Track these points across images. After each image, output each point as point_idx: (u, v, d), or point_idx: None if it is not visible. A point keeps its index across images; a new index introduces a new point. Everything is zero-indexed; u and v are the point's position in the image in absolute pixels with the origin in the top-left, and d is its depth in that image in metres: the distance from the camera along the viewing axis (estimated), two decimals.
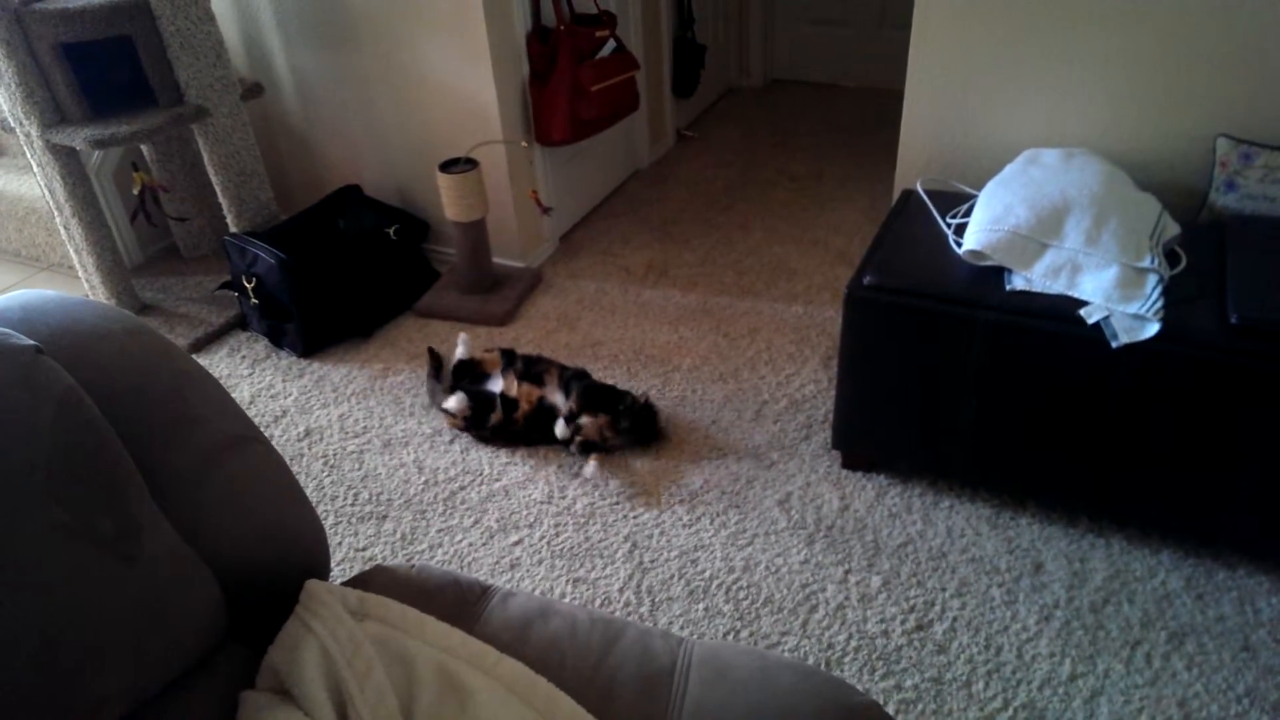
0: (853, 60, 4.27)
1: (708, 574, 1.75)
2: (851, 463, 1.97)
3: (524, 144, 2.71)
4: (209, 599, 0.90)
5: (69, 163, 2.42)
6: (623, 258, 2.91)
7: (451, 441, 2.14)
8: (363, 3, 2.58)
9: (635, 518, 1.89)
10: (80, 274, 2.64)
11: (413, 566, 1.12)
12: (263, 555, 0.99)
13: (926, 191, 2.01)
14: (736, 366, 2.34)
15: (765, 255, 2.87)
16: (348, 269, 2.54)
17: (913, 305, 1.67)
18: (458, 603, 1.06)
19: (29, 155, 2.44)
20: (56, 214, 2.52)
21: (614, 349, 2.44)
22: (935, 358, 1.70)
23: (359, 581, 1.08)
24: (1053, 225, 1.64)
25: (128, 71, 2.42)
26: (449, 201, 2.52)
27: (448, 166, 2.52)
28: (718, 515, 1.88)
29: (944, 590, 1.68)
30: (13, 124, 2.40)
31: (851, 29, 4.20)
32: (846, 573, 1.73)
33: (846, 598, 1.68)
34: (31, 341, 0.86)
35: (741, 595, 1.70)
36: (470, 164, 2.52)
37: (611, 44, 2.84)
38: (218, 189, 2.61)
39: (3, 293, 0.99)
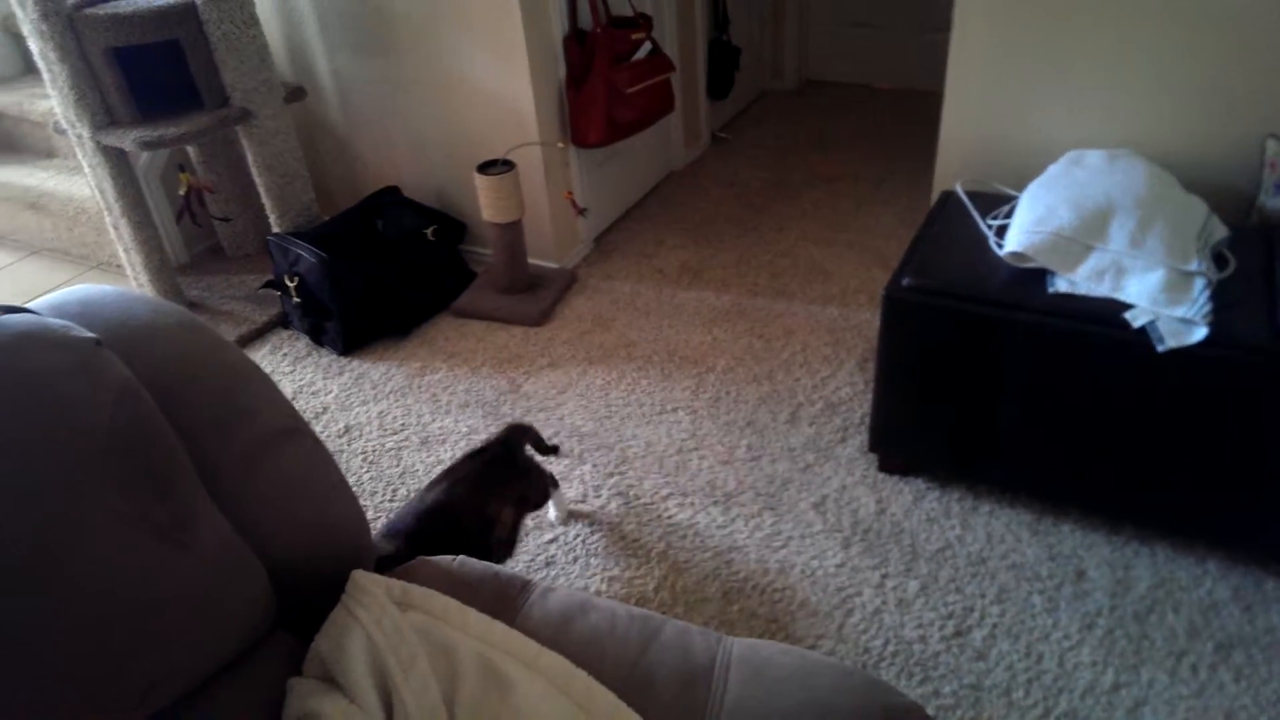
0: (888, 62, 4.24)
1: (742, 575, 1.75)
2: (888, 466, 1.96)
3: (560, 145, 2.73)
4: (258, 587, 0.92)
5: (118, 164, 2.48)
6: (657, 259, 2.92)
7: None
8: (403, 7, 2.61)
9: (669, 518, 1.89)
10: (128, 272, 2.70)
11: (454, 560, 1.14)
12: (309, 545, 1.00)
13: (966, 193, 1.99)
14: (771, 368, 2.34)
15: (800, 257, 2.86)
16: (387, 269, 2.58)
17: (952, 307, 1.66)
18: (498, 596, 1.06)
19: (80, 156, 2.51)
20: (106, 213, 2.58)
21: (648, 350, 2.45)
22: (975, 360, 1.68)
23: (402, 573, 1.09)
24: (1097, 227, 1.62)
25: (175, 74, 2.47)
26: (486, 203, 2.54)
27: (485, 168, 2.54)
28: (752, 517, 1.88)
29: (983, 596, 1.66)
30: (65, 126, 2.47)
31: (887, 31, 4.17)
32: (884, 577, 1.72)
33: (884, 602, 1.67)
34: (91, 334, 0.88)
35: (777, 597, 1.70)
36: (507, 166, 2.54)
37: (647, 46, 2.84)
38: (261, 190, 2.66)
39: (53, 291, 1.02)
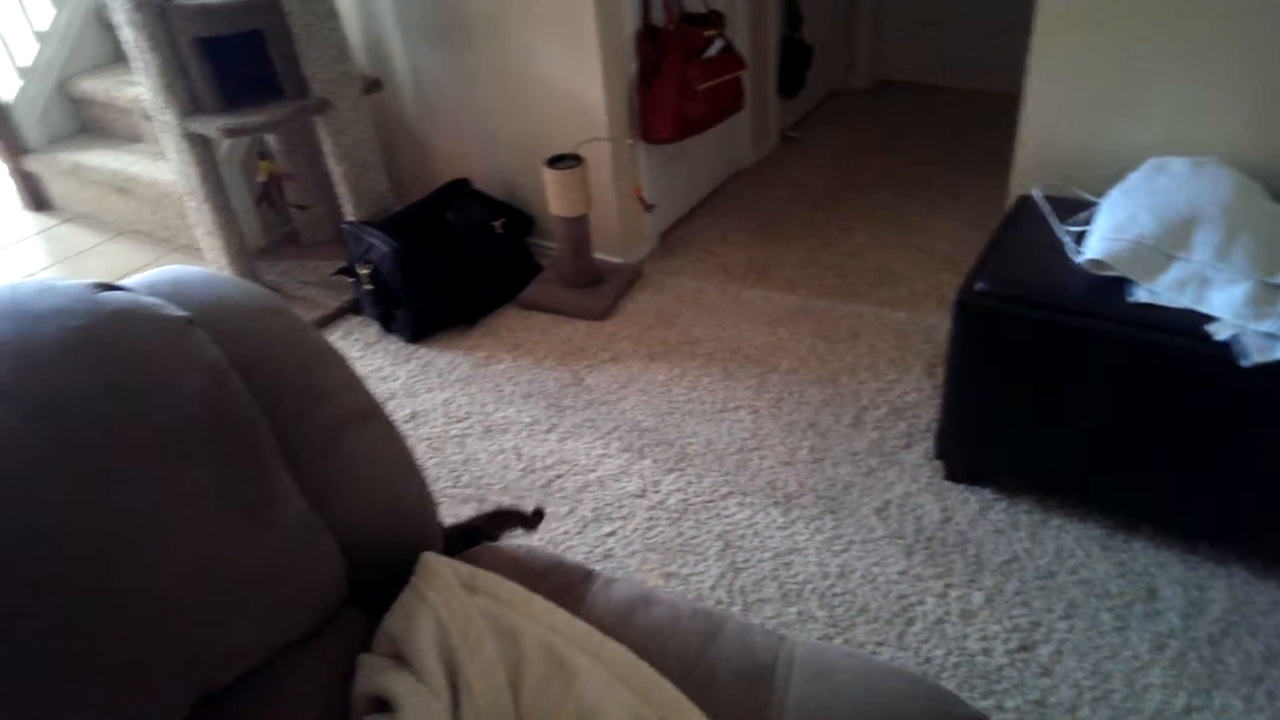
0: (963, 62, 4.16)
1: (801, 578, 1.73)
2: (954, 474, 1.92)
3: (629, 142, 2.74)
4: (333, 565, 0.94)
5: (202, 150, 2.56)
6: (722, 256, 2.91)
7: (549, 431, 2.18)
8: (479, 3, 2.64)
9: (728, 517, 1.89)
10: (207, 255, 2.78)
11: (519, 547, 1.15)
12: (381, 526, 1.03)
13: (1044, 198, 1.94)
14: (836, 371, 2.31)
15: (868, 259, 2.83)
16: (456, 259, 2.62)
17: (1027, 314, 1.62)
18: (563, 585, 1.08)
19: (166, 142, 2.59)
20: (189, 198, 2.67)
21: (711, 348, 2.44)
22: (1049, 369, 1.64)
23: (469, 558, 1.11)
24: (1180, 236, 1.57)
25: (257, 65, 2.54)
26: (554, 197, 2.56)
27: (554, 162, 2.56)
28: (813, 519, 1.86)
29: (1051, 611, 1.62)
30: (152, 112, 2.56)
31: (962, 30, 4.09)
32: (947, 587, 1.69)
33: (946, 612, 1.64)
34: (183, 312, 0.91)
35: (836, 602, 1.68)
36: (576, 160, 2.56)
37: (719, 43, 2.83)
38: (337, 179, 2.72)
39: (138, 271, 1.06)
